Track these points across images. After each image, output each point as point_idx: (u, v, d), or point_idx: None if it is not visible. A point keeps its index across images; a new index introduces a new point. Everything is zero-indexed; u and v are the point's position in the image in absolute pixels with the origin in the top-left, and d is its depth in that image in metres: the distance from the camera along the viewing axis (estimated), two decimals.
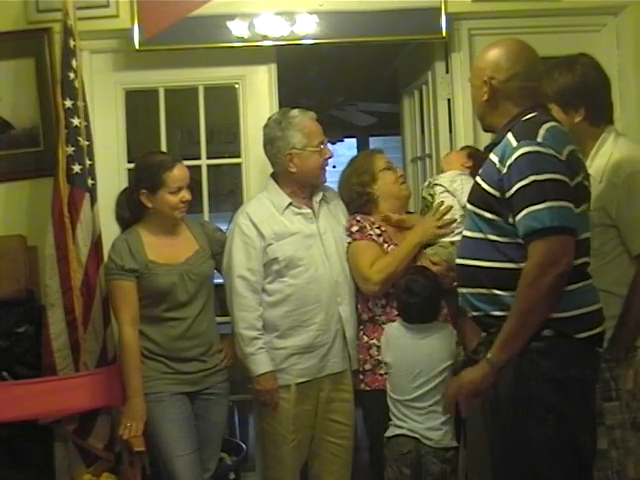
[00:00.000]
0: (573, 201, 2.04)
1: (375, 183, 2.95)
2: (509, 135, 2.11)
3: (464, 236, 2.25)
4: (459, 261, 2.24)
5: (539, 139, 2.05)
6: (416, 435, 2.67)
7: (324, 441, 2.92)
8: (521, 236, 2.04)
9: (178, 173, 2.78)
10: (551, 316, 2.04)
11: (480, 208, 2.15)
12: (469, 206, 2.22)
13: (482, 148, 2.76)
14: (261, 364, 2.79)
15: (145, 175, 2.80)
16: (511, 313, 2.05)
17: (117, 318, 2.82)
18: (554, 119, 2.19)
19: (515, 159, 2.04)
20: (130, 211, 2.85)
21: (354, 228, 2.89)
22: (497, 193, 2.09)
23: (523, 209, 2.01)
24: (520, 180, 2.02)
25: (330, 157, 2.93)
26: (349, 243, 2.90)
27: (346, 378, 2.90)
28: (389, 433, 2.73)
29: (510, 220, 2.07)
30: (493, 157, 2.15)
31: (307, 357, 2.83)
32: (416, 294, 2.72)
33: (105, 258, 2.95)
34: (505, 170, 2.06)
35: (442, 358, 2.70)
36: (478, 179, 2.19)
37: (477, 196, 2.18)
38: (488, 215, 2.12)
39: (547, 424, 2.03)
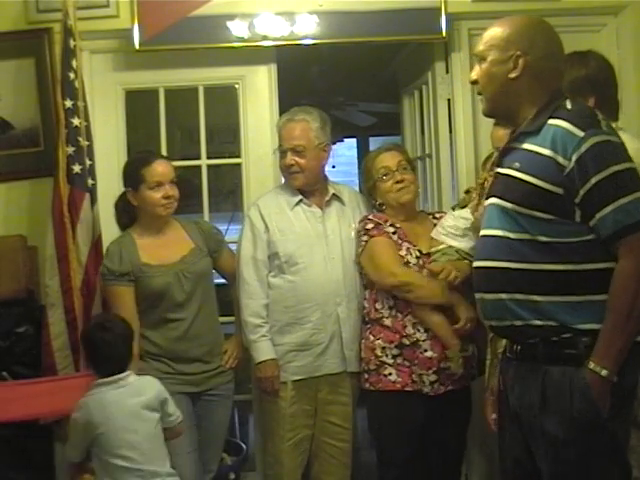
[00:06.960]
0: None
1: (376, 191, 2.92)
2: (564, 124, 1.88)
3: (495, 236, 1.98)
4: (489, 264, 1.99)
5: (604, 128, 1.88)
6: None
7: (323, 442, 2.92)
8: (609, 233, 1.83)
9: (157, 167, 2.78)
10: None
11: (528, 207, 1.91)
12: (504, 203, 1.96)
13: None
14: (262, 351, 2.83)
15: (127, 173, 2.84)
16: (619, 318, 1.82)
17: None
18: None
19: (586, 150, 1.84)
20: (127, 214, 2.87)
21: (369, 225, 2.84)
22: (559, 190, 1.87)
23: (609, 204, 1.82)
24: (598, 173, 1.83)
25: (288, 165, 2.87)
26: (365, 241, 2.82)
27: (344, 380, 2.90)
28: None
29: (578, 218, 1.87)
30: (541, 149, 1.90)
31: (303, 355, 2.84)
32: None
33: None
34: (572, 164, 1.85)
35: None
36: (518, 174, 1.93)
37: (522, 194, 1.92)
38: (540, 215, 1.89)
39: (605, 431, 1.87)
